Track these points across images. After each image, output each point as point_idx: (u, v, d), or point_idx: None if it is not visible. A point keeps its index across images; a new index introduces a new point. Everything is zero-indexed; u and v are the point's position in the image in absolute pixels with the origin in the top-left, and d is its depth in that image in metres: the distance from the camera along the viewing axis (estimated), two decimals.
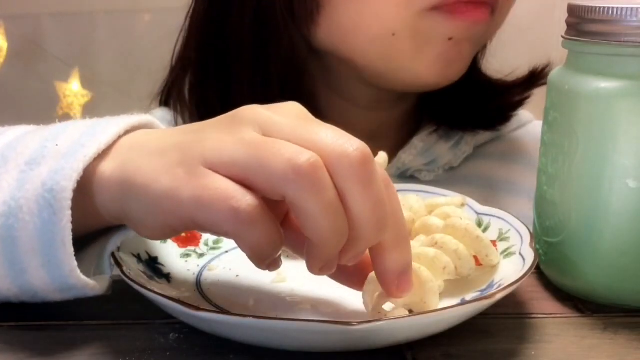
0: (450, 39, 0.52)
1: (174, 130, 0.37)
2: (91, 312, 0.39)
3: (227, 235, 0.33)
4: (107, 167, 0.36)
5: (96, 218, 0.37)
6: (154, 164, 0.34)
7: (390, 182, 0.34)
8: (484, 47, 0.61)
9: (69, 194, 0.35)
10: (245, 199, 0.32)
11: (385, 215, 0.33)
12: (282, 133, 0.33)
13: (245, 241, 0.33)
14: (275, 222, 0.33)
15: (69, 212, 0.35)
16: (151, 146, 0.36)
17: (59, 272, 0.36)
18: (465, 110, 0.62)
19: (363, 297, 0.36)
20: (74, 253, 0.36)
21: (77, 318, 0.39)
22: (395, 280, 0.34)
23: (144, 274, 0.40)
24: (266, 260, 0.33)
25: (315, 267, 0.34)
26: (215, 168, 0.33)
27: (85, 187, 0.36)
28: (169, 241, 0.44)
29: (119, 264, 0.38)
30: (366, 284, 0.36)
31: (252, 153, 0.32)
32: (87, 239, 0.40)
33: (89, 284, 0.37)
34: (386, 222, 0.33)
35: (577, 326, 0.38)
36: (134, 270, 0.39)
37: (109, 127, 0.38)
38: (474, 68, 0.62)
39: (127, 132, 0.38)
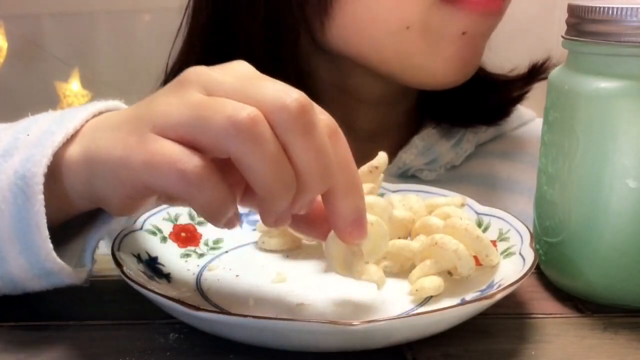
0: (464, 33, 0.52)
1: (132, 106, 0.38)
2: (91, 312, 0.40)
3: (179, 197, 0.34)
4: (73, 152, 0.37)
5: (70, 203, 0.38)
6: (111, 138, 0.35)
7: (337, 130, 0.35)
8: None
9: (40, 179, 0.36)
10: (191, 161, 0.32)
11: (329, 163, 0.33)
12: (224, 91, 0.33)
13: (196, 202, 0.33)
14: (224, 181, 0.33)
15: (41, 197, 0.36)
16: (110, 123, 0.37)
17: (36, 256, 0.37)
18: (465, 106, 0.62)
19: (325, 251, 0.36)
20: (49, 237, 0.36)
21: (77, 318, 0.39)
22: (348, 227, 0.35)
23: (144, 274, 0.40)
24: (220, 219, 0.34)
25: (269, 220, 0.34)
26: (164, 133, 0.33)
27: (55, 174, 0.37)
28: (169, 241, 0.45)
29: (119, 264, 0.38)
30: (329, 238, 0.36)
31: (195, 114, 0.33)
32: (70, 232, 0.40)
33: (65, 269, 0.37)
34: (331, 170, 0.33)
35: (577, 326, 0.38)
36: (134, 270, 0.39)
37: (77, 113, 0.38)
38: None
39: (94, 116, 0.39)
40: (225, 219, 0.34)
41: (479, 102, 0.62)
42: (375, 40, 0.53)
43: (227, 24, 0.57)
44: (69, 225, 0.40)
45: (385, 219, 0.38)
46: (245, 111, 0.32)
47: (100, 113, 0.39)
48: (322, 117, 0.34)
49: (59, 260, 0.37)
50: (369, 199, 0.37)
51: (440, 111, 0.62)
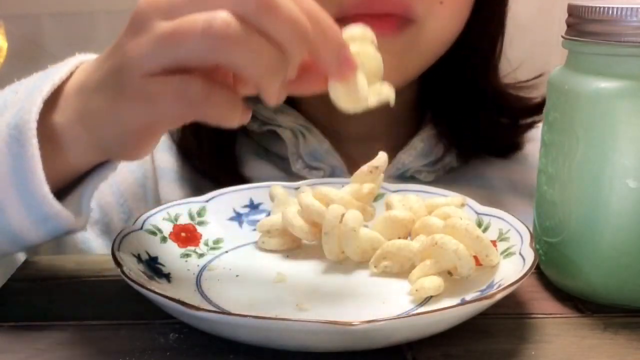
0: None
1: (100, 58, 0.38)
2: (92, 312, 0.40)
3: (196, 118, 0.35)
4: (66, 118, 0.38)
5: (76, 167, 0.39)
6: (101, 96, 0.36)
7: None
8: (491, 56, 0.60)
9: (32, 124, 0.37)
10: (188, 85, 0.34)
11: (304, 25, 0.34)
12: (183, 9, 0.34)
13: (209, 116, 0.35)
14: (222, 85, 0.35)
15: (35, 141, 0.37)
16: (91, 83, 0.37)
17: (33, 200, 0.37)
18: (473, 132, 0.61)
19: (333, 99, 0.38)
20: (45, 181, 0.37)
21: (78, 318, 0.39)
22: (337, 67, 0.36)
23: (144, 274, 0.40)
24: (235, 120, 0.35)
25: (273, 99, 0.35)
26: (150, 71, 0.34)
27: (54, 142, 0.38)
28: (169, 241, 0.45)
29: (119, 264, 0.38)
30: (330, 87, 0.38)
31: (169, 42, 0.34)
32: (66, 190, 0.41)
33: (63, 212, 0.38)
34: (306, 31, 0.34)
35: (577, 326, 0.38)
36: (134, 270, 0.39)
37: (60, 68, 0.40)
38: (487, 76, 0.61)
39: (76, 68, 0.40)
40: (238, 117, 0.35)
41: (486, 129, 0.61)
42: None
43: None
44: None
45: (368, 43, 0.39)
46: (216, 18, 0.33)
47: (79, 66, 0.40)
48: None
49: (56, 202, 0.38)
50: (345, 34, 0.38)
51: (440, 116, 0.62)
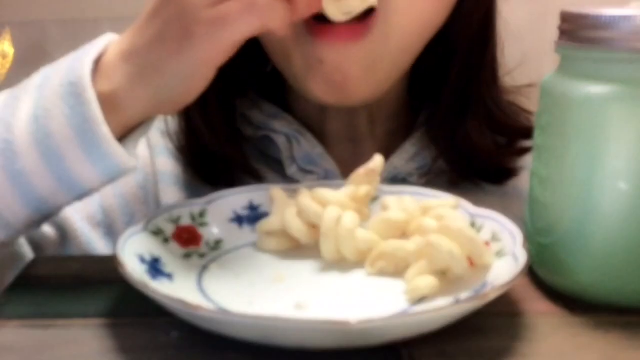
0: (321, 62, 0.51)
1: (139, 23, 0.42)
2: (94, 311, 0.40)
3: (261, 30, 0.40)
4: (123, 81, 0.41)
5: (129, 127, 0.43)
6: (166, 46, 0.40)
7: None
8: (480, 63, 0.58)
9: (87, 78, 0.40)
10: (254, 13, 0.39)
11: None
12: None
13: (274, 24, 0.40)
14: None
15: (92, 90, 0.40)
16: (140, 45, 0.41)
17: (93, 141, 0.40)
18: (470, 158, 0.59)
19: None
20: (104, 122, 0.40)
21: (81, 316, 0.40)
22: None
23: (146, 274, 0.40)
24: (286, 25, 0.41)
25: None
26: (209, 3, 0.39)
27: (111, 108, 0.41)
28: (171, 242, 0.45)
29: (122, 265, 0.39)
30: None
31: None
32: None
33: (119, 150, 0.41)
34: None
35: (568, 325, 0.39)
36: (137, 270, 0.40)
37: (94, 44, 0.43)
38: (468, 87, 0.59)
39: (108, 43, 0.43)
40: (288, 21, 0.41)
41: (483, 167, 0.59)
42: (276, 59, 0.55)
43: None
44: None
45: None
46: None
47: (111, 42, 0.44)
48: None
49: (114, 141, 0.41)
50: None
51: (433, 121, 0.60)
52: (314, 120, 0.60)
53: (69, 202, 0.44)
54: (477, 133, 0.58)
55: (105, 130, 0.40)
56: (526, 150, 0.60)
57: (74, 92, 0.40)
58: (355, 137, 0.61)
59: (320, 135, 0.59)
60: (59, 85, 0.41)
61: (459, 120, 0.59)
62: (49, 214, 0.44)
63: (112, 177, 0.43)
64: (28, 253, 0.50)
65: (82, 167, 0.41)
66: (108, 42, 0.43)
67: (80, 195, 0.44)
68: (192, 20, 0.39)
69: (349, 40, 0.50)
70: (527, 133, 0.58)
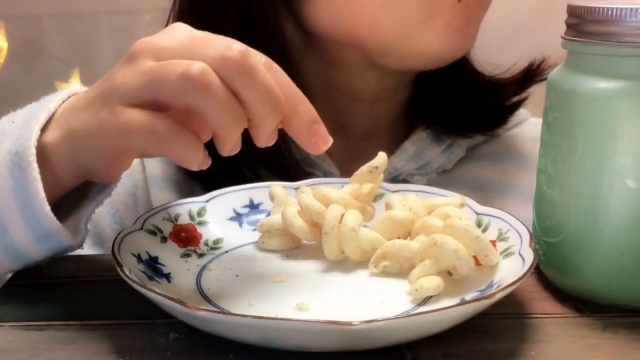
0: (459, 0, 0.52)
1: (93, 86, 0.42)
2: (92, 312, 0.40)
3: (155, 152, 0.40)
4: (54, 135, 0.41)
5: (60, 181, 0.42)
6: (84, 117, 0.40)
7: (272, 64, 0.39)
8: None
9: (32, 151, 0.40)
10: (159, 122, 0.37)
11: (276, 96, 0.38)
12: (172, 55, 0.38)
13: (172, 154, 0.38)
14: (190, 130, 0.38)
15: (35, 166, 0.40)
16: (80, 105, 0.42)
17: (36, 218, 0.40)
18: (460, 112, 0.61)
19: None
20: (46, 200, 0.40)
21: (78, 318, 0.39)
22: (309, 137, 0.39)
23: (144, 274, 0.40)
24: (194, 161, 0.38)
25: (225, 150, 0.39)
26: (129, 102, 0.38)
27: (43, 158, 0.41)
28: (169, 241, 0.45)
29: (119, 264, 0.38)
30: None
31: (151, 77, 0.38)
32: (64, 211, 0.43)
33: (63, 230, 0.41)
34: (279, 102, 0.38)
35: (576, 326, 0.38)
36: (134, 270, 0.39)
37: (53, 98, 0.43)
38: (466, 64, 0.61)
39: (69, 97, 0.44)
40: (198, 161, 0.38)
41: (473, 109, 0.62)
42: (367, 13, 0.53)
43: (207, 13, 0.57)
44: (62, 206, 0.43)
45: None
46: (195, 66, 0.36)
47: (70, 96, 0.44)
48: (259, 58, 0.38)
49: (56, 220, 0.41)
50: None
51: (432, 116, 0.62)
52: None
53: (18, 269, 0.44)
54: (476, 115, 0.62)
55: (47, 210, 0.40)
56: (517, 105, 0.63)
57: (19, 165, 0.40)
58: (354, 138, 0.60)
59: None
60: (7, 151, 0.41)
61: (462, 109, 0.61)
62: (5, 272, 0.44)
63: (56, 253, 0.43)
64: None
65: (26, 241, 0.41)
66: (69, 95, 0.44)
67: (28, 264, 0.43)
68: (109, 104, 0.38)
69: None
70: (512, 84, 0.62)
